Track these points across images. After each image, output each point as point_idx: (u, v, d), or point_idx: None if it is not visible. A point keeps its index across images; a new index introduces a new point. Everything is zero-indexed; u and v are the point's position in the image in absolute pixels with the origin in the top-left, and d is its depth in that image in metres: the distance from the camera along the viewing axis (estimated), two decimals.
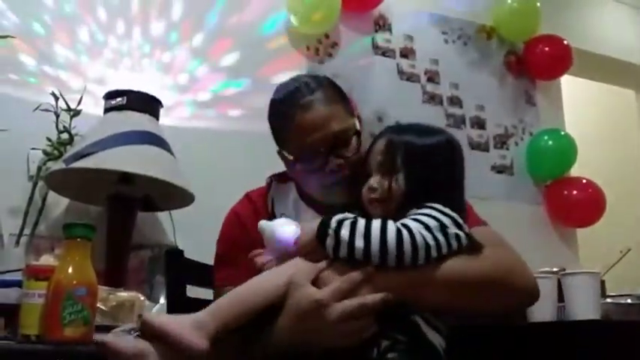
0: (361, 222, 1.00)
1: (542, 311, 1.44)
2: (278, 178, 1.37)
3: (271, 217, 1.27)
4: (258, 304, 1.03)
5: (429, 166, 1.10)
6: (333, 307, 0.98)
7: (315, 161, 1.22)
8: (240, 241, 1.28)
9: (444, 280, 1.01)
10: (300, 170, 1.26)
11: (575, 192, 3.07)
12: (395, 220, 1.03)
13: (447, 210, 1.04)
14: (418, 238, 0.99)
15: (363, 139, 1.26)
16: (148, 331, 0.98)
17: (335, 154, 1.22)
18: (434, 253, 1.00)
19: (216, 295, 1.28)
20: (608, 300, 1.58)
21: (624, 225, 3.63)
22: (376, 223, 1.00)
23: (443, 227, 1.02)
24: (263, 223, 1.12)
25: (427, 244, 1.00)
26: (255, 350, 1.06)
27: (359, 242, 0.99)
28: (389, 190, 1.09)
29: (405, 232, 0.99)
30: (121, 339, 1.01)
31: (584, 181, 3.10)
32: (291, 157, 1.26)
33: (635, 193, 4.00)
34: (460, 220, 1.05)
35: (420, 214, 1.03)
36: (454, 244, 1.03)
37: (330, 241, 1.01)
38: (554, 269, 1.65)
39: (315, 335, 1.00)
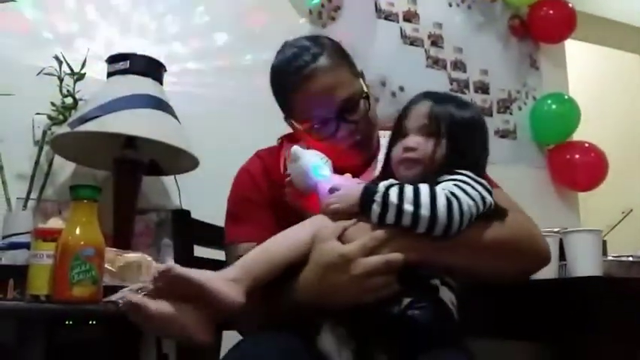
0: (409, 188, 0.99)
1: (544, 270, 1.46)
2: (289, 139, 1.36)
3: (285, 175, 1.26)
4: (286, 258, 1.04)
5: (469, 137, 1.11)
6: (358, 262, 0.99)
7: (325, 129, 1.22)
8: (252, 198, 1.28)
9: (469, 244, 1.02)
10: (310, 137, 1.26)
11: (577, 156, 3.07)
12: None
13: (478, 178, 1.05)
14: (465, 208, 0.99)
15: (370, 100, 1.26)
16: (179, 285, 0.94)
17: (344, 119, 1.21)
18: (471, 221, 1.01)
19: (228, 253, 1.29)
20: (610, 258, 1.59)
21: (626, 189, 3.64)
22: (425, 189, 0.99)
23: (483, 198, 1.03)
24: (298, 150, 1.11)
25: (471, 215, 1.01)
26: (277, 306, 1.07)
27: (408, 208, 0.98)
28: (431, 153, 1.08)
29: (455, 202, 0.98)
30: (152, 301, 0.95)
31: (586, 145, 3.10)
32: (299, 126, 1.25)
33: (637, 158, 4.00)
34: (490, 187, 1.06)
35: (459, 181, 1.03)
36: (486, 211, 1.04)
37: (376, 207, 1.00)
38: (556, 229, 1.66)
39: (338, 289, 1.01)
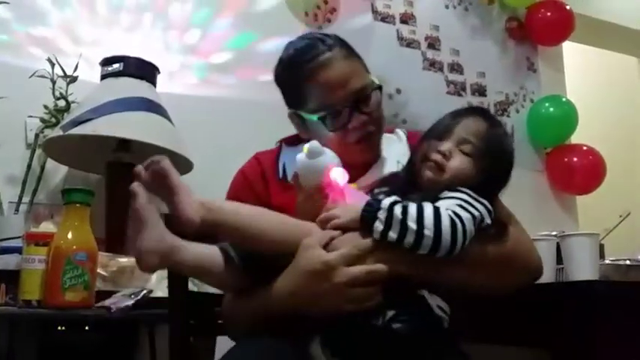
0: (412, 207, 0.97)
1: None
2: (288, 142, 1.34)
3: (284, 178, 1.25)
4: (262, 232, 1.03)
5: (502, 168, 1.11)
6: (341, 271, 0.98)
7: (338, 120, 1.20)
8: (248, 201, 1.25)
9: (462, 261, 1.00)
10: (318, 130, 1.23)
11: (575, 159, 3.06)
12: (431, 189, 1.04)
13: (479, 197, 1.03)
14: (468, 230, 0.98)
15: (382, 93, 1.25)
16: (160, 179, 0.97)
17: (358, 109, 1.20)
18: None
19: None
20: (607, 261, 1.58)
21: (624, 192, 3.63)
22: (429, 210, 0.97)
23: (483, 219, 1.01)
24: (320, 147, 1.07)
25: (471, 237, 0.99)
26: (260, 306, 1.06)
27: (412, 226, 0.96)
28: (462, 171, 1.06)
29: (459, 224, 0.97)
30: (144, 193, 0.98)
31: (584, 148, 3.09)
32: (308, 117, 1.24)
33: (635, 160, 4.00)
34: (490, 207, 1.04)
35: (461, 200, 1.01)
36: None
37: (379, 224, 0.98)
38: (554, 233, 1.65)
39: (318, 298, 0.99)
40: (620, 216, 2.27)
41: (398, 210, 0.97)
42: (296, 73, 1.23)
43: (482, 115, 1.13)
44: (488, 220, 1.03)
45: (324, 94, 1.20)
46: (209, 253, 1.06)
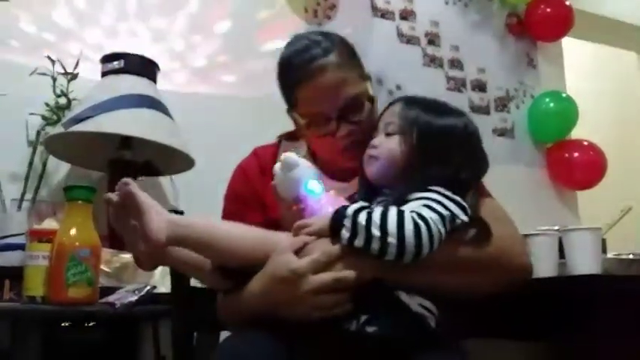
0: (376, 214, 0.96)
1: (543, 268, 1.44)
2: (288, 137, 1.34)
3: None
4: (231, 244, 1.04)
5: (444, 146, 1.07)
6: (308, 278, 0.98)
7: (326, 126, 1.20)
8: (246, 197, 1.27)
9: (434, 264, 0.98)
10: (310, 133, 1.24)
11: (576, 154, 3.07)
12: (393, 188, 1.04)
13: (452, 195, 1.01)
14: (434, 231, 0.95)
15: (375, 104, 1.24)
16: (128, 200, 0.99)
17: (347, 119, 1.19)
18: (442, 241, 0.98)
19: None
20: (610, 256, 1.58)
21: (625, 187, 3.63)
22: (392, 214, 0.95)
23: (453, 217, 1.00)
24: (294, 159, 1.07)
25: (441, 236, 0.97)
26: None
27: (375, 233, 0.95)
28: (393, 151, 1.07)
29: (423, 227, 0.94)
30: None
31: (585, 143, 3.09)
32: (301, 121, 1.24)
33: (636, 155, 4.00)
34: (464, 203, 1.02)
35: (429, 199, 1.00)
36: (458, 228, 1.01)
37: (345, 232, 0.97)
38: (555, 227, 1.65)
39: (287, 304, 1.00)
40: (622, 211, 2.26)
41: (362, 217, 0.96)
42: (289, 75, 1.23)
43: (402, 99, 1.15)
44: (463, 218, 1.01)
45: (312, 101, 1.19)
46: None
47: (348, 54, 1.23)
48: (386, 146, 1.09)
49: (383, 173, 1.08)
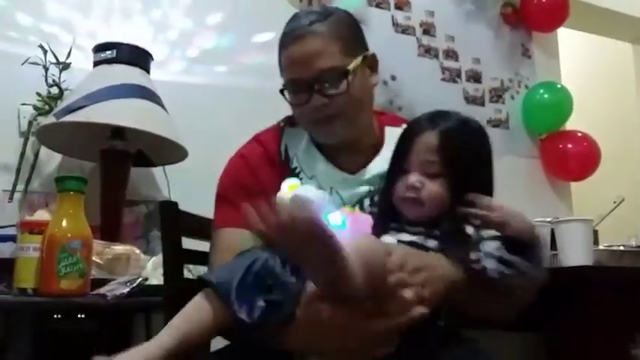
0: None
1: None
2: (289, 122, 1.31)
3: (285, 162, 1.24)
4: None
5: (479, 171, 1.09)
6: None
7: (297, 96, 1.20)
8: (247, 185, 1.23)
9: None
10: (290, 105, 1.24)
11: (570, 145, 3.06)
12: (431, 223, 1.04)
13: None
14: None
15: (357, 81, 1.20)
16: None
17: (319, 92, 1.17)
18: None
19: (215, 238, 1.24)
20: (601, 247, 1.59)
21: (618, 179, 3.64)
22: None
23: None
24: (304, 196, 0.92)
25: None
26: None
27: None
28: (436, 195, 1.04)
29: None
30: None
31: (579, 134, 3.09)
32: (289, 97, 1.22)
33: (630, 147, 4.00)
34: None
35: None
36: None
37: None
38: (548, 219, 1.65)
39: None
40: (614, 202, 2.27)
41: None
42: (280, 42, 1.24)
43: (432, 125, 1.08)
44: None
45: (288, 67, 1.20)
46: None
47: (339, 29, 1.21)
48: (432, 190, 1.04)
49: (428, 215, 1.05)
